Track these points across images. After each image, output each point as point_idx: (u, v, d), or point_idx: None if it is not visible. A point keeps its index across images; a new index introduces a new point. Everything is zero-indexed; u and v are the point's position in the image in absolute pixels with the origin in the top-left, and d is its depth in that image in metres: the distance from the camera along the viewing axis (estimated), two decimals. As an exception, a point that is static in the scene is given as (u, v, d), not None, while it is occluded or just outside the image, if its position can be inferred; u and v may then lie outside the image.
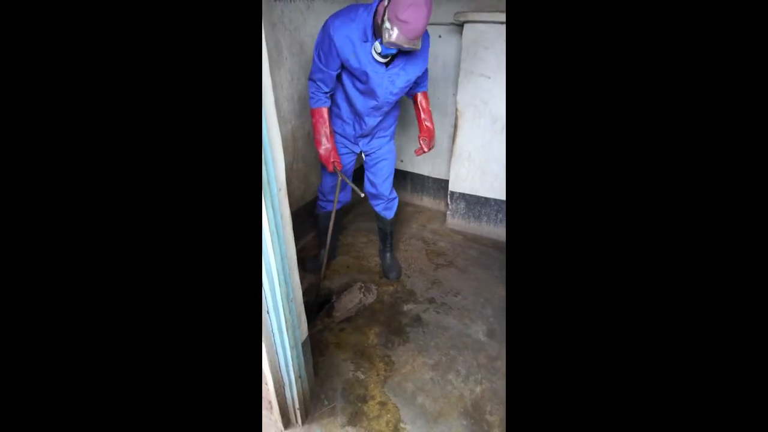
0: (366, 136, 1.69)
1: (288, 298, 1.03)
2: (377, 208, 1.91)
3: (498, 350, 1.59)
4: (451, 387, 1.44)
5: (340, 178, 1.65)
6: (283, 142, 1.08)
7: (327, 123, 1.57)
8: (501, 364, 1.52)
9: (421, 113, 1.69)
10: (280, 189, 0.92)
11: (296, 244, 1.30)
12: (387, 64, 1.42)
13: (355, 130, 1.66)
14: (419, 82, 1.62)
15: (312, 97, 1.56)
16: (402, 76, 1.46)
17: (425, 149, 1.67)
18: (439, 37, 2.19)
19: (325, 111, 1.57)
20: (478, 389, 1.43)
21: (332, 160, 1.60)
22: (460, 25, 2.00)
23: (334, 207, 1.73)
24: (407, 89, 1.57)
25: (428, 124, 1.69)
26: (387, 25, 1.23)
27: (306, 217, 2.19)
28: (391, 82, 1.46)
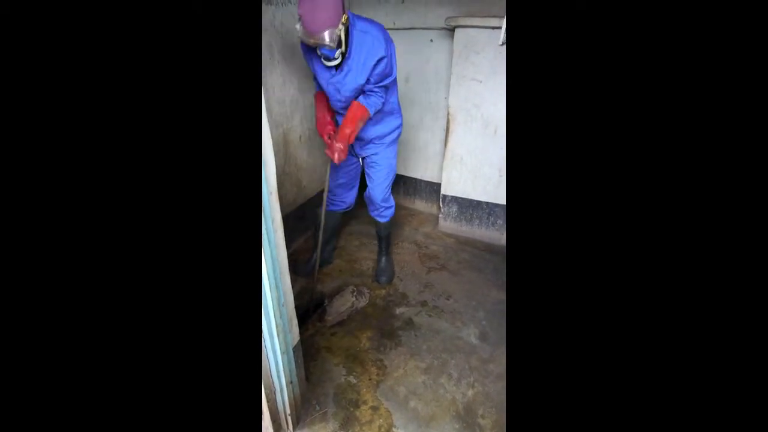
0: (360, 139, 1.69)
1: (279, 303, 1.02)
2: (371, 213, 1.92)
3: (490, 353, 1.59)
4: (443, 390, 1.43)
5: (328, 171, 1.71)
6: (274, 145, 1.08)
7: (325, 102, 1.62)
8: (493, 367, 1.53)
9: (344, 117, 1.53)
10: (271, 192, 0.92)
11: (288, 248, 1.29)
12: (337, 68, 1.43)
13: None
14: (367, 91, 1.49)
15: (317, 86, 1.65)
16: (347, 84, 1.45)
17: (330, 151, 1.54)
18: (431, 41, 2.20)
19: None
20: (470, 392, 1.43)
21: (326, 130, 1.60)
22: (451, 30, 2.02)
23: (323, 214, 1.74)
24: (358, 95, 1.51)
25: (346, 130, 1.50)
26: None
27: (297, 221, 2.18)
28: (336, 90, 1.49)
